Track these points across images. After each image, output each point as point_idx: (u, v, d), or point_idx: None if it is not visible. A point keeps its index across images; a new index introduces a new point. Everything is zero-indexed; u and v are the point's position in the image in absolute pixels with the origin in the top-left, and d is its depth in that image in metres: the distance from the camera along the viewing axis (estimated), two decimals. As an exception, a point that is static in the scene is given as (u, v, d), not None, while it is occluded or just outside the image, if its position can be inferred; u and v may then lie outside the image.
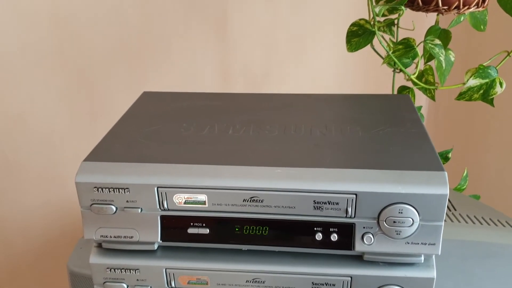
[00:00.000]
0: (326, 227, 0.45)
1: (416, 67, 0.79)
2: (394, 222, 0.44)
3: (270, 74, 1.19)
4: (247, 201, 0.45)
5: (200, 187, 0.45)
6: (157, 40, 1.00)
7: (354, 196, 0.44)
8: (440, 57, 0.78)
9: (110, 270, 0.49)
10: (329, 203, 0.44)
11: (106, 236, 0.47)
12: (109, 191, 0.45)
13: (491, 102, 0.76)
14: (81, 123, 0.92)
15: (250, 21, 1.12)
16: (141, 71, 0.99)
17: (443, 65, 0.80)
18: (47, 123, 0.88)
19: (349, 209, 0.44)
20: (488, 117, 1.17)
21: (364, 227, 0.45)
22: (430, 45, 0.78)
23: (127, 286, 0.49)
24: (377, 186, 0.44)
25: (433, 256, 0.47)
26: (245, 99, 0.65)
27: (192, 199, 0.45)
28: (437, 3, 0.70)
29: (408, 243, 0.45)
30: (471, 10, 0.72)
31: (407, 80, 0.82)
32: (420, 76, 0.86)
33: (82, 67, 0.90)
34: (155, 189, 0.45)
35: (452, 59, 0.86)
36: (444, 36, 0.87)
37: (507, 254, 0.62)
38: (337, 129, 0.54)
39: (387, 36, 0.83)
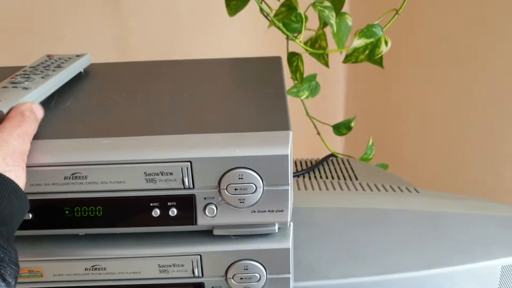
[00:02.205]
0: (163, 201, 0.40)
1: (302, 33, 0.75)
2: (236, 189, 0.39)
3: (176, 46, 1.12)
4: (69, 179, 0.39)
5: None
6: (48, 17, 0.92)
7: (189, 163, 0.39)
8: (330, 20, 0.74)
9: None
10: (162, 174, 0.39)
11: None
12: None
13: (379, 63, 0.73)
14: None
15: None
16: (34, 52, 0.91)
17: (335, 28, 0.76)
18: None
19: (186, 179, 0.39)
20: (403, 87, 1.15)
21: (205, 198, 0.40)
22: (319, 7, 0.74)
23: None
24: (212, 151, 0.39)
25: (290, 225, 0.43)
26: (106, 68, 0.58)
27: (4, 181, 0.39)
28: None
29: (254, 211, 0.40)
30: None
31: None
32: (314, 42, 0.82)
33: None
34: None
35: (350, 23, 0.82)
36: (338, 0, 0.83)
37: (392, 219, 0.60)
38: (191, 94, 0.49)
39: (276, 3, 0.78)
